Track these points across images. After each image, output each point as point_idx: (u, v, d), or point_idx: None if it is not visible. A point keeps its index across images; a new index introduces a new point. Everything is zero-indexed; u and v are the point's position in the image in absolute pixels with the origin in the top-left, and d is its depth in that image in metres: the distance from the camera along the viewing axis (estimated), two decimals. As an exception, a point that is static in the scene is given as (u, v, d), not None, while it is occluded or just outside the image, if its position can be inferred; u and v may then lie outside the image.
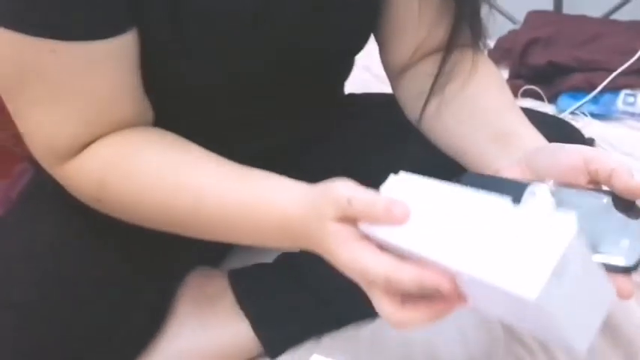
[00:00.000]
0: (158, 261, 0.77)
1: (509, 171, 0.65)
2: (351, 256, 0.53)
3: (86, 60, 0.63)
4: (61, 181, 0.70)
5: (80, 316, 0.71)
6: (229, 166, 0.66)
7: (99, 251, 0.74)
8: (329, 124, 0.90)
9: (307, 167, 0.83)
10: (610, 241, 0.55)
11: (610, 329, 0.79)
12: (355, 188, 0.55)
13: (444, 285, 0.48)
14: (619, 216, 0.57)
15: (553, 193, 0.56)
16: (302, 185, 0.60)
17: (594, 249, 0.54)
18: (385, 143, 0.86)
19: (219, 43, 0.69)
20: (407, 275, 0.50)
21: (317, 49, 0.76)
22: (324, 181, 0.58)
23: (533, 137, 0.69)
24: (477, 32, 0.79)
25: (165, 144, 0.68)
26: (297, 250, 0.62)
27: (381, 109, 0.91)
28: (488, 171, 0.69)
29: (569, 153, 0.61)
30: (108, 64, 0.64)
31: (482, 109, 0.75)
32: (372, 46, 0.85)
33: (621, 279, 0.53)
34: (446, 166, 0.75)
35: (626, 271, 0.54)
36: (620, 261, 0.54)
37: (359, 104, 0.96)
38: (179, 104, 0.74)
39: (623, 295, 0.53)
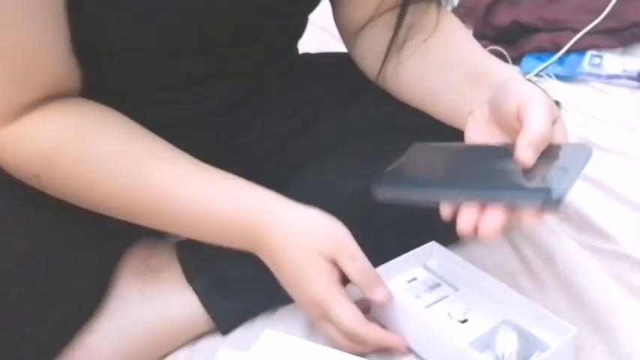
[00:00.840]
0: (98, 231, 0.72)
1: (480, 111, 0.67)
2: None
3: (7, 9, 0.59)
4: None
5: (14, 289, 0.66)
6: (190, 162, 0.68)
7: (33, 218, 0.69)
8: (283, 83, 0.87)
9: (262, 126, 0.85)
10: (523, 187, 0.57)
11: (579, 304, 0.77)
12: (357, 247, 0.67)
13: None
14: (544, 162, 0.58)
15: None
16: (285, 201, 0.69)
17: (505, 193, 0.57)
18: (341, 102, 0.84)
19: None
20: (371, 334, 0.67)
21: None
22: (312, 208, 0.68)
23: (504, 73, 0.69)
24: None
25: (124, 129, 0.67)
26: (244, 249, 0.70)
27: (337, 67, 0.89)
28: (461, 116, 0.69)
29: (509, 96, 0.62)
30: (31, 13, 0.61)
31: (452, 49, 0.75)
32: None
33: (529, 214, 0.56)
34: (401, 124, 0.78)
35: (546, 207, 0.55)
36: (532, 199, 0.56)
37: (314, 63, 0.93)
38: (132, 66, 0.72)
39: (531, 225, 0.57)
